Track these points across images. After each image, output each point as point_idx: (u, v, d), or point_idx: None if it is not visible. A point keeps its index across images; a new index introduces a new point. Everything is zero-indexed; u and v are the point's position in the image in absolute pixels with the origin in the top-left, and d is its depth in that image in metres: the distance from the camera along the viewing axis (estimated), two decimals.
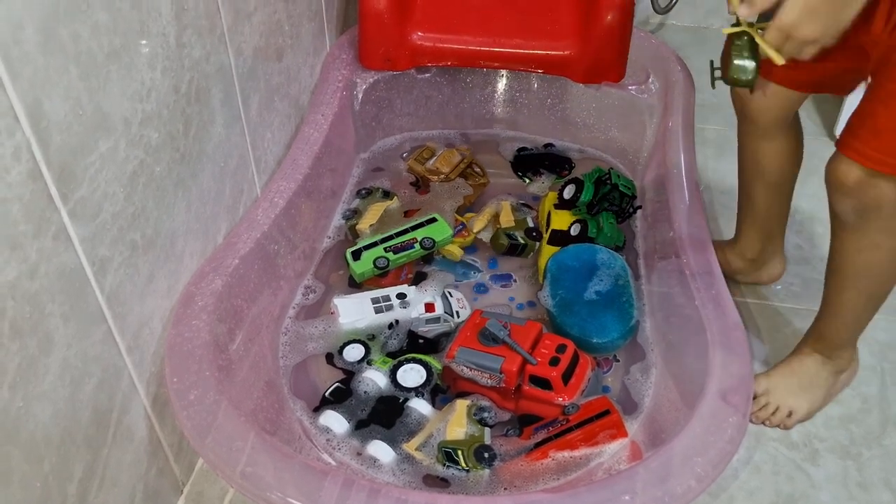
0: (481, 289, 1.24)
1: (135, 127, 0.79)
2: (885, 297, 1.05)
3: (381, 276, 1.21)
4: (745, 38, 0.89)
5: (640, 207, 1.34)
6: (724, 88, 1.00)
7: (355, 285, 1.21)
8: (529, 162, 1.50)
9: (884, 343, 1.26)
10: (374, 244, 1.22)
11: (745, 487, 1.05)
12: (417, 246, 1.23)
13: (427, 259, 1.25)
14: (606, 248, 1.24)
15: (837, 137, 0.96)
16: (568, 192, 1.30)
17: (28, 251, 0.65)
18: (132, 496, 0.88)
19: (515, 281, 1.26)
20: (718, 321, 0.93)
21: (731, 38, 0.90)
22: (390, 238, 1.23)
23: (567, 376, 0.98)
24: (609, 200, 1.28)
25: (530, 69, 1.44)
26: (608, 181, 1.28)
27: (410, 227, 1.26)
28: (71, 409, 0.74)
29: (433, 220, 1.27)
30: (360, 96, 1.44)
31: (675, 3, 1.10)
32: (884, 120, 0.88)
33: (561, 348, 1.00)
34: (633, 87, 1.45)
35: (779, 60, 0.86)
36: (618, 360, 1.10)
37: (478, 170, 1.46)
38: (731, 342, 0.90)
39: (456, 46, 1.42)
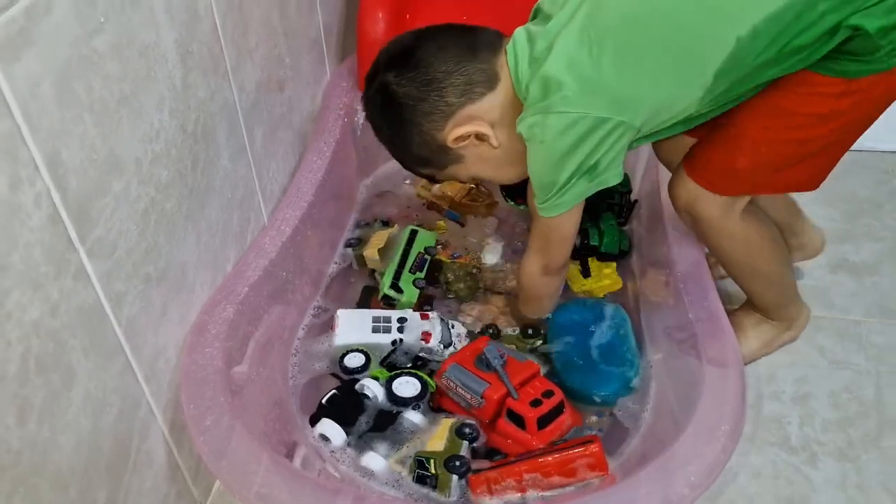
0: None
1: (145, 167, 0.83)
2: (774, 270, 1.17)
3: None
4: None
5: (636, 202, 1.37)
6: None
7: (363, 305, 1.25)
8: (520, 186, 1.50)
9: (881, 347, 1.28)
10: (398, 273, 1.26)
11: (744, 492, 1.08)
12: (427, 257, 1.30)
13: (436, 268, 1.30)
14: (611, 253, 1.29)
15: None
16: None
17: (50, 291, 0.69)
18: None
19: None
20: (711, 333, 0.97)
21: None
22: (404, 262, 1.28)
23: (544, 421, 0.98)
24: (608, 201, 1.31)
25: None
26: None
27: (405, 247, 1.31)
28: (93, 438, 0.78)
29: (415, 232, 1.34)
30: (360, 123, 1.48)
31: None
32: (718, 154, 1.02)
33: (547, 394, 1.00)
34: None
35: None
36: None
37: (484, 190, 1.49)
38: (722, 353, 0.93)
39: None
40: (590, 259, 1.30)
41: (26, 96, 0.63)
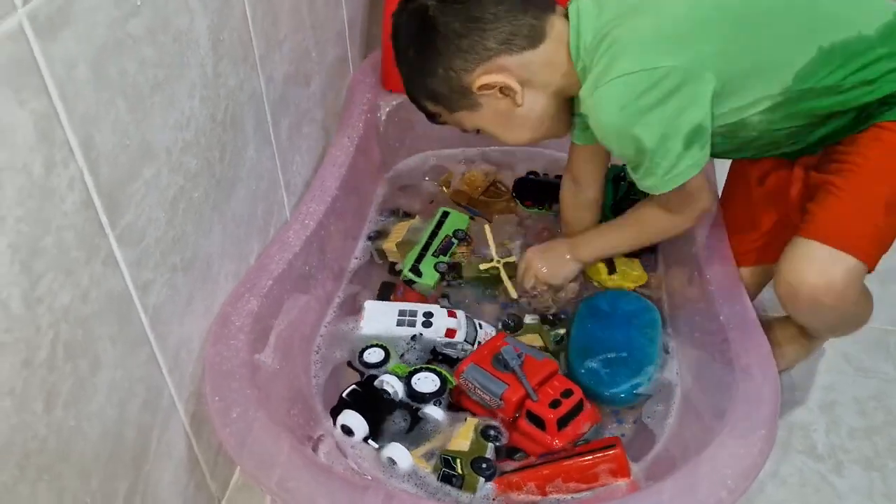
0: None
1: (175, 155, 0.82)
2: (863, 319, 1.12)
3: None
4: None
5: None
6: None
7: (382, 300, 1.24)
8: (534, 189, 1.45)
9: None
10: (422, 255, 1.26)
11: (771, 500, 1.06)
12: (455, 240, 1.30)
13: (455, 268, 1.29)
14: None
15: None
16: None
17: (80, 276, 0.68)
18: None
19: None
20: (743, 337, 0.95)
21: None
22: (429, 245, 1.28)
23: (563, 422, 0.97)
24: (633, 198, 1.30)
25: None
26: (624, 178, 1.30)
27: (435, 229, 1.31)
28: (117, 427, 0.77)
29: (446, 213, 1.34)
30: (383, 118, 1.47)
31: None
32: (851, 211, 0.95)
33: (567, 393, 0.98)
34: None
35: (513, 294, 1.22)
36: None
37: (503, 188, 1.48)
38: (755, 357, 0.92)
39: None
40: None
41: (63, 78, 0.62)
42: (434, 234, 1.30)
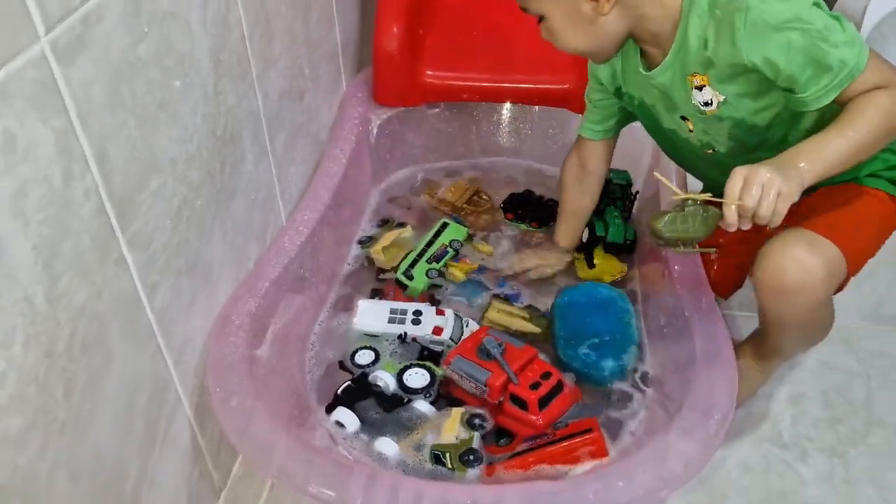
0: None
1: (180, 167, 0.90)
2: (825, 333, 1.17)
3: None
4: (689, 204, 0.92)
5: (636, 193, 1.44)
6: None
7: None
8: (522, 205, 1.52)
9: (871, 351, 1.34)
10: (416, 261, 1.35)
11: (737, 485, 1.13)
12: (450, 250, 1.38)
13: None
14: (616, 242, 1.36)
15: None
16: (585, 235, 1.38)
17: (95, 276, 0.75)
18: (177, 498, 0.98)
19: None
20: (705, 328, 1.03)
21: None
22: (424, 252, 1.37)
23: (544, 402, 1.05)
24: (611, 196, 1.38)
25: (534, 103, 1.54)
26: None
27: (433, 237, 1.39)
28: (127, 417, 0.84)
29: (445, 224, 1.42)
30: (374, 131, 1.55)
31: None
32: (841, 217, 1.01)
33: (545, 375, 1.06)
34: None
35: (732, 201, 0.87)
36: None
37: (485, 197, 1.56)
38: (714, 346, 1.00)
39: (464, 83, 1.53)
40: (595, 251, 1.36)
41: (81, 98, 0.70)
42: (431, 243, 1.39)
